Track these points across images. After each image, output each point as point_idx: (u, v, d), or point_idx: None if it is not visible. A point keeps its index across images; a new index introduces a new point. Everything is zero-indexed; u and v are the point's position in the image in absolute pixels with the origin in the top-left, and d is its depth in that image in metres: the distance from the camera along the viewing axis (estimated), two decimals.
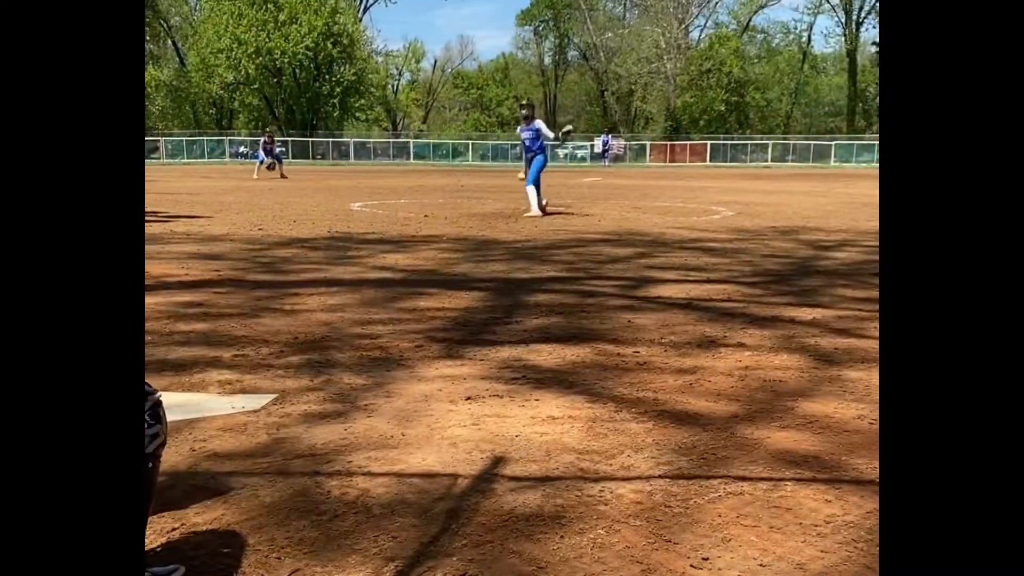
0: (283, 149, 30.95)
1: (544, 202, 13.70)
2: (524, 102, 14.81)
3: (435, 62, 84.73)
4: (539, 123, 13.42)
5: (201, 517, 2.36)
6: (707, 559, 2.15)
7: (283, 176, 27.86)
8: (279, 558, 2.12)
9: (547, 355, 4.23)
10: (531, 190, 13.25)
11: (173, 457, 2.78)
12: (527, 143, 13.44)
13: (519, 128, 13.85)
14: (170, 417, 3.12)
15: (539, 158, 13.44)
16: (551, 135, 13.44)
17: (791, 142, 57.81)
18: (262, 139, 30.45)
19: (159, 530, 2.26)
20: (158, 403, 1.91)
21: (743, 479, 2.67)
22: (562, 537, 2.26)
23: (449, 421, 3.18)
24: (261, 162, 29.20)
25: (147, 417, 1.86)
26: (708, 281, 6.73)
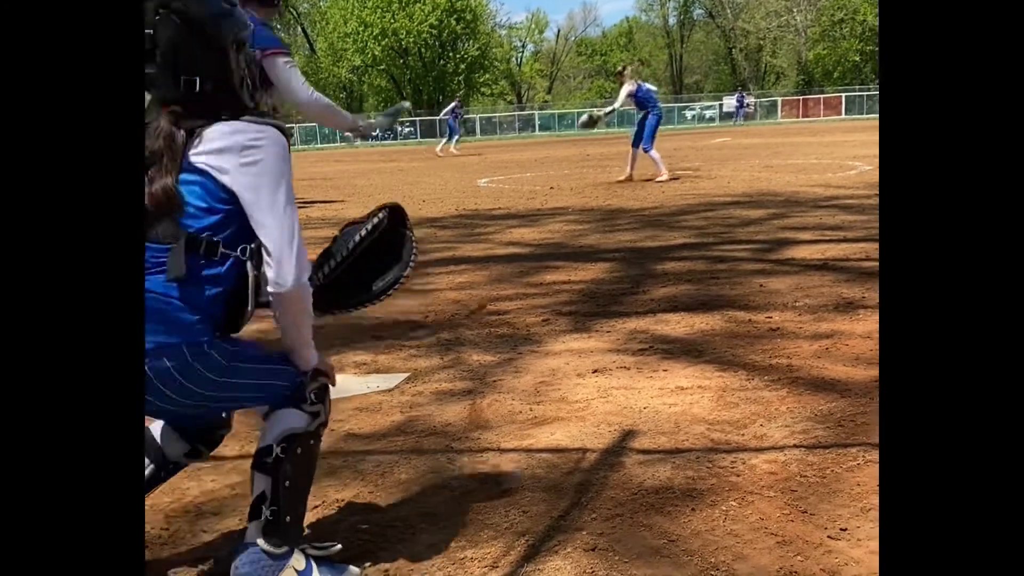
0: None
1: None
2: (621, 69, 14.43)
3: (558, 31, 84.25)
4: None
5: (341, 494, 2.45)
6: (845, 530, 2.09)
7: (453, 152, 26.72)
8: (414, 533, 2.19)
9: (676, 324, 4.18)
10: (655, 154, 13.14)
11: None
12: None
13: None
14: None
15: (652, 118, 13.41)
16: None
17: None
18: (452, 105, 28.43)
19: None
20: (324, 387, 2.04)
21: None
22: (693, 510, 2.24)
23: (577, 395, 3.19)
24: (451, 137, 27.74)
25: (312, 397, 1.99)
26: (845, 240, 6.49)
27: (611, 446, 2.69)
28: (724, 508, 2.24)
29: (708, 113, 57.20)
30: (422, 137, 53.38)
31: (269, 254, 1.83)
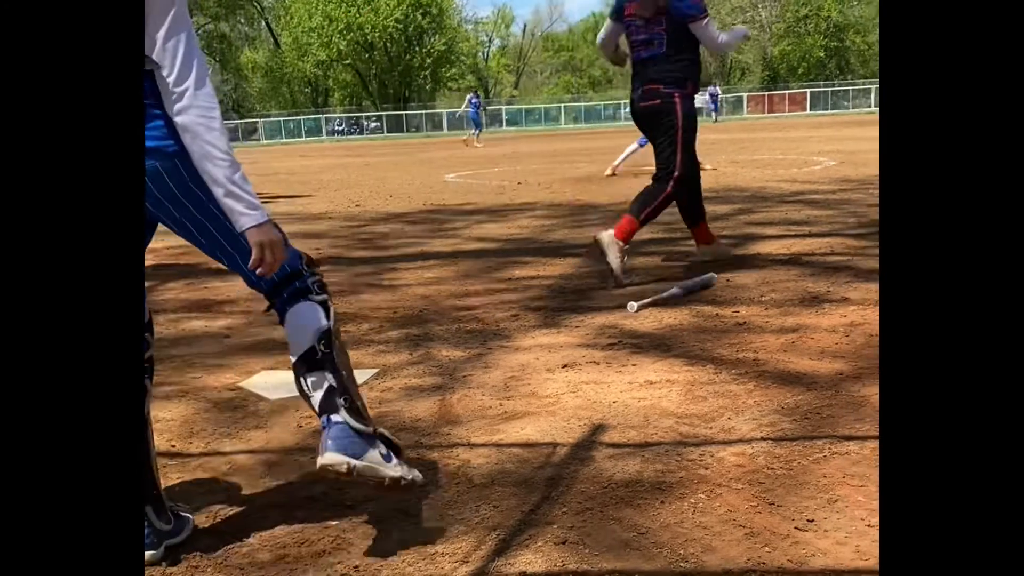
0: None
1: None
2: None
3: (524, 26, 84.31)
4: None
5: (309, 491, 2.43)
6: (812, 521, 2.12)
7: (467, 143, 26.43)
8: (385, 529, 2.18)
9: (644, 319, 4.20)
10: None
11: (280, 434, 2.87)
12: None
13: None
14: (277, 395, 3.24)
15: None
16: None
17: None
18: (469, 96, 28.32)
19: (270, 504, 2.35)
20: (321, 277, 2.19)
21: (849, 438, 2.61)
22: (662, 503, 2.25)
23: (546, 390, 3.20)
24: (477, 128, 27.48)
25: (316, 287, 2.14)
26: (810, 235, 6.55)
27: (581, 440, 2.70)
28: (693, 501, 2.25)
29: None
30: (388, 132, 53.15)
31: (164, 79, 1.87)
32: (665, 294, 4.55)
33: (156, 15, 1.84)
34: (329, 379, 2.06)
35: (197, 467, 2.64)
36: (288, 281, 2.11)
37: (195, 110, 1.87)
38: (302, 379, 2.08)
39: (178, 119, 1.88)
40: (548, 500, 2.29)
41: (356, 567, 2.01)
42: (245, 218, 1.95)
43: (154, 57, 1.86)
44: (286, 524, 2.23)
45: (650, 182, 5.33)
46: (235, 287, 5.52)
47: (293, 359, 2.10)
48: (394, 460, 2.09)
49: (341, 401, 2.05)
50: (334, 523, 2.23)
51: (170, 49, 1.85)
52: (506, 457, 2.60)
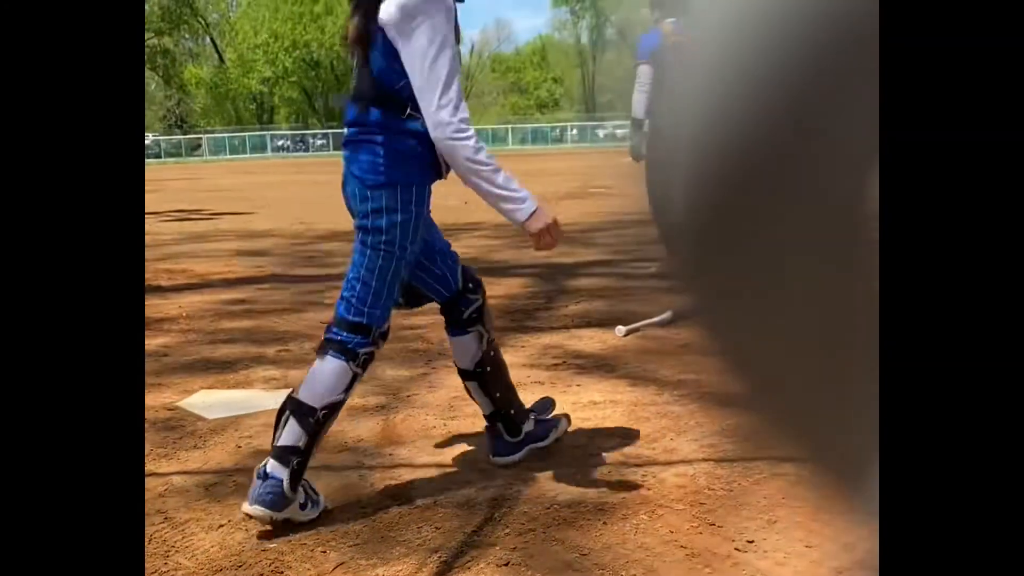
0: None
1: None
2: None
3: (472, 47, 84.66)
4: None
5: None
6: (752, 542, 2.14)
7: None
8: (324, 551, 2.15)
9: (589, 340, 4.22)
10: None
11: (219, 454, 2.82)
12: None
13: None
14: (216, 415, 3.18)
15: None
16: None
17: None
18: None
19: (207, 526, 2.30)
20: (373, 354, 2.42)
21: (788, 460, 2.64)
22: (605, 523, 2.25)
23: None
24: None
25: (363, 358, 2.37)
26: None
27: (525, 461, 2.69)
28: (635, 521, 2.26)
29: (620, 132, 58.15)
30: (335, 149, 52.84)
31: (421, 106, 2.05)
32: (657, 319, 4.51)
33: (407, 54, 2.03)
34: (300, 441, 2.20)
35: None
36: (341, 346, 2.31)
37: (450, 131, 2.05)
38: (289, 415, 2.22)
39: (437, 143, 2.08)
40: (491, 521, 2.28)
41: None
42: (519, 213, 2.19)
43: (415, 89, 2.04)
44: (223, 547, 2.19)
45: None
46: (174, 303, 5.43)
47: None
48: (310, 505, 2.28)
49: (295, 464, 2.19)
50: (272, 546, 2.19)
51: (424, 79, 2.01)
52: (449, 478, 2.58)
